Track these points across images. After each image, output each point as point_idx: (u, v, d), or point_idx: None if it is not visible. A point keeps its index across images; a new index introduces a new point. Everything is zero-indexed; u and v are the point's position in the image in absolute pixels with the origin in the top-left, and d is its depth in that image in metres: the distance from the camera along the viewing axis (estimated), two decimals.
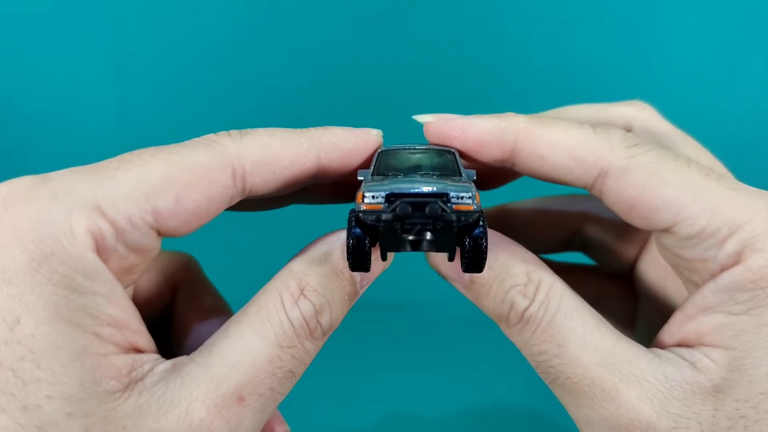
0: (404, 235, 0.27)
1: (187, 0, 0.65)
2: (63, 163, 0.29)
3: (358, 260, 0.27)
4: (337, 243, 0.30)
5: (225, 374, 0.26)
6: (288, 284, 0.28)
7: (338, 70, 0.67)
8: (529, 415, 0.62)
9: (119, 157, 0.27)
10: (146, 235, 0.26)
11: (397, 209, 0.26)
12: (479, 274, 0.30)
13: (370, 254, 0.27)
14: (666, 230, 0.28)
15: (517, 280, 0.29)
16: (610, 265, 0.42)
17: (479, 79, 0.67)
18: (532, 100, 0.65)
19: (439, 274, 0.33)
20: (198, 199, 0.27)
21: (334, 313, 0.29)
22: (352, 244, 0.27)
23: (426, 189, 0.27)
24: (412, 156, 0.31)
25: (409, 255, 0.29)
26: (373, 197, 0.27)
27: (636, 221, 0.29)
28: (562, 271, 0.32)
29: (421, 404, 0.63)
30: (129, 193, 0.25)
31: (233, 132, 0.29)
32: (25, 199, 0.25)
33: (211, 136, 0.28)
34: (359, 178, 0.30)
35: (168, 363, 0.26)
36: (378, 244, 0.27)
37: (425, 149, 0.32)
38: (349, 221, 0.27)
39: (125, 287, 0.27)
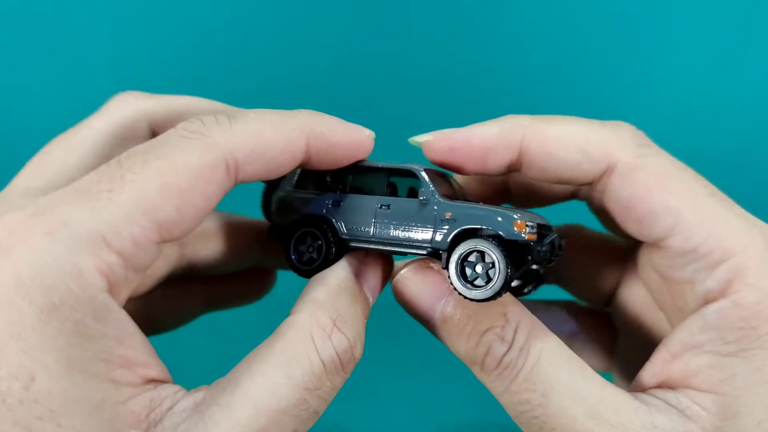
0: None
1: (187, 1, 0.65)
2: None
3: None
4: (340, 265, 0.30)
5: (248, 419, 0.25)
6: (317, 318, 0.27)
7: (338, 74, 0.67)
8: None
9: (107, 172, 0.25)
10: (150, 252, 0.25)
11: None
12: (452, 314, 0.29)
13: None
14: (658, 242, 0.27)
15: (494, 321, 0.28)
16: (586, 298, 0.40)
17: (478, 85, 0.67)
18: (531, 106, 0.65)
19: (407, 310, 0.31)
20: (198, 202, 0.26)
21: (362, 340, 0.28)
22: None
23: None
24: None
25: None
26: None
27: (630, 224, 0.28)
28: (538, 307, 0.30)
29: (421, 405, 0.63)
30: (130, 214, 0.24)
31: (221, 118, 0.27)
32: (23, 240, 0.23)
33: (198, 126, 0.27)
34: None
35: (188, 400, 0.25)
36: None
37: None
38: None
39: (127, 298, 0.26)
